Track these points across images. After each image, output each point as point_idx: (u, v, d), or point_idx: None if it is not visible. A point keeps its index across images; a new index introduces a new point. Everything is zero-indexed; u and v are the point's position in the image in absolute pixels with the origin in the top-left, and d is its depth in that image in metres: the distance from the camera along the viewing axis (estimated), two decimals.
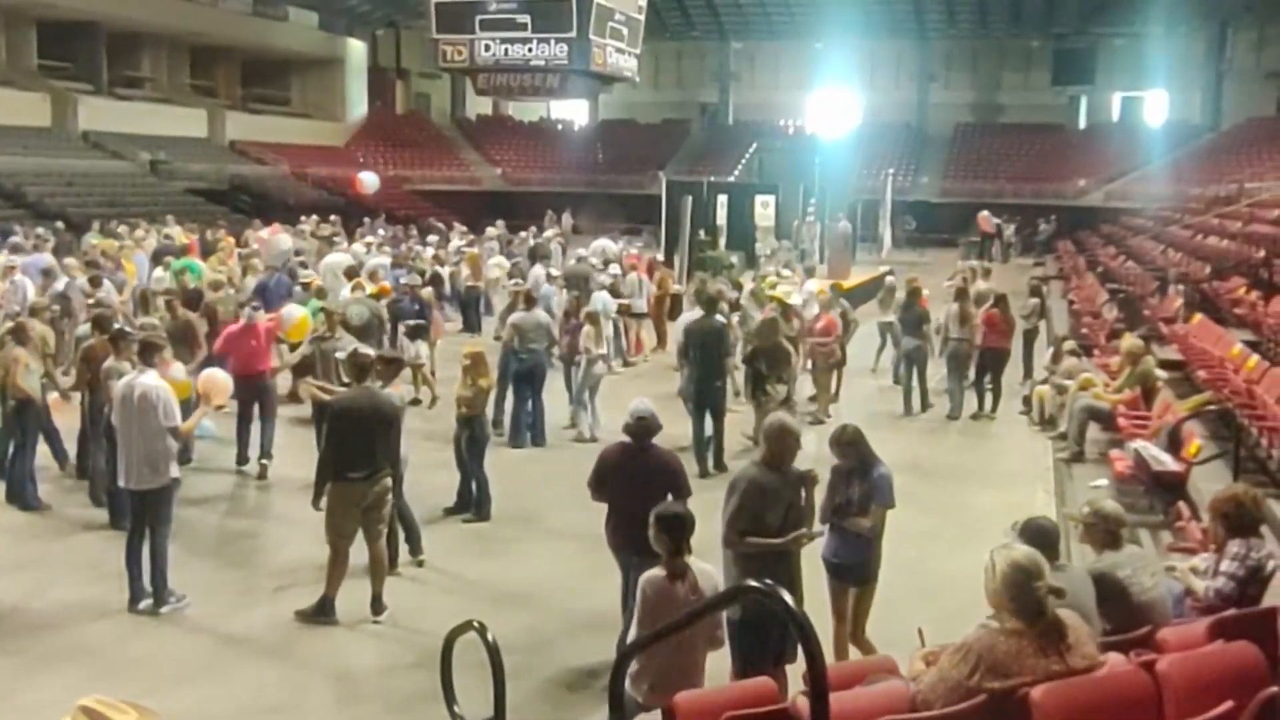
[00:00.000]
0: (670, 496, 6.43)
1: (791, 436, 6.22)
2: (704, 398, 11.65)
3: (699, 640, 5.04)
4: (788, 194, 30.44)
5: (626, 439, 7.09)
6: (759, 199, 29.86)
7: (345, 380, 8.47)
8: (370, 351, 8.37)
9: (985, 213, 37.59)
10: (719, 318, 12.34)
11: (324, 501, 7.69)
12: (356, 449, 7.62)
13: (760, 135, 46.14)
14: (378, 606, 7.69)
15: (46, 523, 9.55)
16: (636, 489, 6.51)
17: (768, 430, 6.31)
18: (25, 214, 28.69)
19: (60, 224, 25.06)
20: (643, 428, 7.02)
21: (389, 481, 7.78)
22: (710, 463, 11.43)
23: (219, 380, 8.50)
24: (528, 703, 6.30)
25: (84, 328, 11.26)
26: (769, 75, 52.75)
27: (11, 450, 9.83)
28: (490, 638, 5.01)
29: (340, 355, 9.06)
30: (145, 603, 7.63)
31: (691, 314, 13.55)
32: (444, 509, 9.96)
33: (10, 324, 10.52)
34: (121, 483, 7.87)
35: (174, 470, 7.83)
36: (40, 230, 22.10)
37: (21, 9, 37.81)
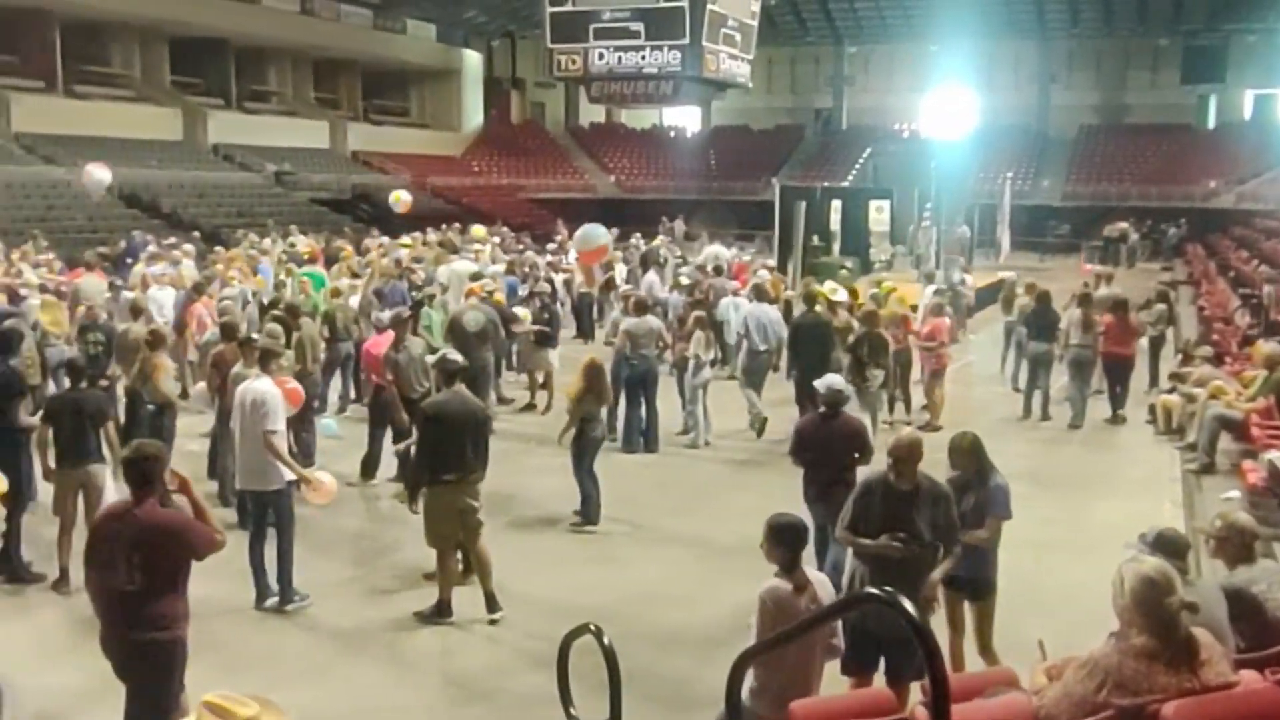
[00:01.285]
0: (857, 456, 7.82)
1: (910, 452, 6.05)
2: (808, 388, 11.78)
3: (816, 649, 4.99)
4: (903, 199, 30.03)
5: (819, 410, 8.27)
6: (873, 204, 29.52)
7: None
8: (459, 358, 8.44)
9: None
10: (821, 313, 13.11)
11: (421, 505, 7.85)
12: (450, 452, 7.75)
13: (875, 139, 45.62)
14: (492, 605, 7.79)
15: None
16: (831, 452, 7.38)
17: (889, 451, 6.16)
18: (161, 224, 29.79)
19: (196, 233, 25.93)
20: (834, 398, 8.21)
21: (480, 484, 7.89)
22: None
23: (325, 485, 8.40)
24: (642, 708, 6.30)
25: (212, 333, 11.61)
26: (883, 78, 52.11)
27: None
28: (607, 641, 5.02)
29: (431, 360, 9.18)
30: (271, 600, 7.86)
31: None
32: (571, 524, 9.97)
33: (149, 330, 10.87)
34: (238, 484, 8.20)
35: (286, 474, 7.99)
36: (173, 239, 22.94)
37: (156, 28, 39.30)
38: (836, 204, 28.66)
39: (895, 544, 5.78)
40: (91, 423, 8.28)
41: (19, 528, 8.45)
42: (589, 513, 9.94)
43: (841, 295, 15.04)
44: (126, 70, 40.05)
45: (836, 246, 27.02)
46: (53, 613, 7.86)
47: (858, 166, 44.78)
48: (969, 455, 6.46)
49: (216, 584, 8.04)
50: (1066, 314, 14.35)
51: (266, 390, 8.01)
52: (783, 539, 5.08)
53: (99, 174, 22.50)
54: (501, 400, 14.58)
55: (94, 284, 15.50)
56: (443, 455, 7.75)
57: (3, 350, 9.16)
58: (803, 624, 4.56)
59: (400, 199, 27.49)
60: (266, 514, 7.99)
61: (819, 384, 8.41)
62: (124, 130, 36.76)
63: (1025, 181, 43.54)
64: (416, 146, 48.91)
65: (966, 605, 6.52)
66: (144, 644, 5.17)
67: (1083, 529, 9.72)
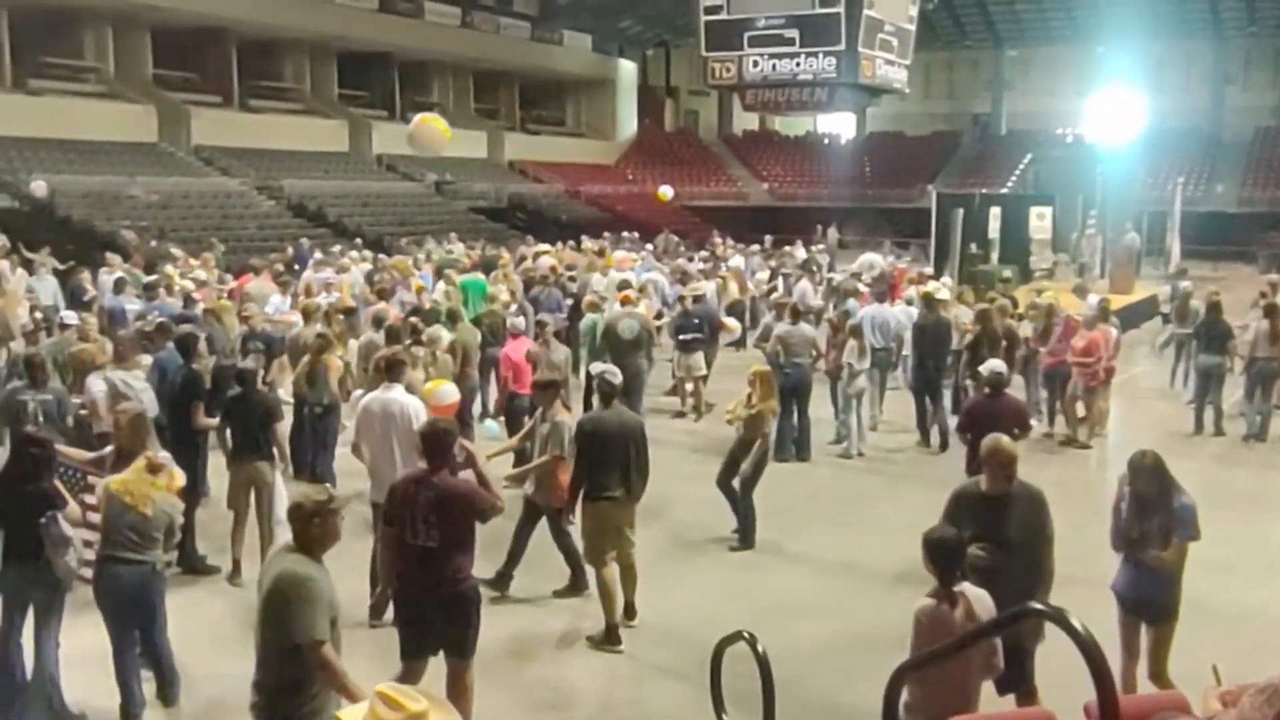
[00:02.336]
0: (1017, 432, 8.06)
1: (1001, 456, 5.97)
2: (925, 383, 13.33)
3: (974, 666, 4.86)
4: (1066, 205, 29.11)
5: (986, 391, 9.15)
6: (1034, 211, 28.68)
7: None
8: (617, 376, 8.33)
9: None
10: (943, 315, 13.80)
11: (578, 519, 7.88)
12: (610, 469, 7.70)
13: (1036, 144, 44.40)
14: (630, 613, 7.82)
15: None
16: (996, 428, 7.30)
17: (983, 456, 6.09)
18: (327, 233, 30.89)
19: (359, 240, 26.78)
20: (997, 380, 9.17)
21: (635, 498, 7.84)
22: (932, 437, 13.21)
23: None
24: (794, 718, 6.25)
25: (370, 336, 11.94)
26: (1045, 82, 50.64)
27: (312, 450, 10.54)
28: (760, 649, 5.00)
29: (592, 370, 9.22)
30: None
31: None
32: (730, 546, 9.87)
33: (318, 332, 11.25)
34: (374, 498, 7.83)
35: None
36: (339, 247, 23.76)
37: (325, 44, 40.81)
38: (995, 211, 27.94)
39: (980, 553, 5.66)
40: (261, 424, 8.60)
41: (193, 523, 8.84)
42: (746, 535, 9.79)
43: (944, 294, 15.46)
44: (297, 85, 41.67)
45: (995, 254, 26.37)
46: (223, 604, 8.20)
47: (1018, 172, 43.62)
48: (1151, 474, 6.19)
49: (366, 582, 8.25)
50: (1253, 326, 13.70)
51: (409, 400, 7.97)
52: (936, 555, 4.98)
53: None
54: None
55: (262, 289, 16.13)
56: (602, 472, 7.71)
57: (183, 354, 9.61)
58: (959, 641, 4.46)
59: (664, 195, 27.89)
60: None
61: (983, 368, 9.43)
62: (293, 142, 38.32)
63: (1197, 187, 41.76)
64: (571, 155, 49.62)
65: (1143, 629, 6.25)
66: (451, 597, 5.89)
67: (1258, 551, 9.28)
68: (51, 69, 34.40)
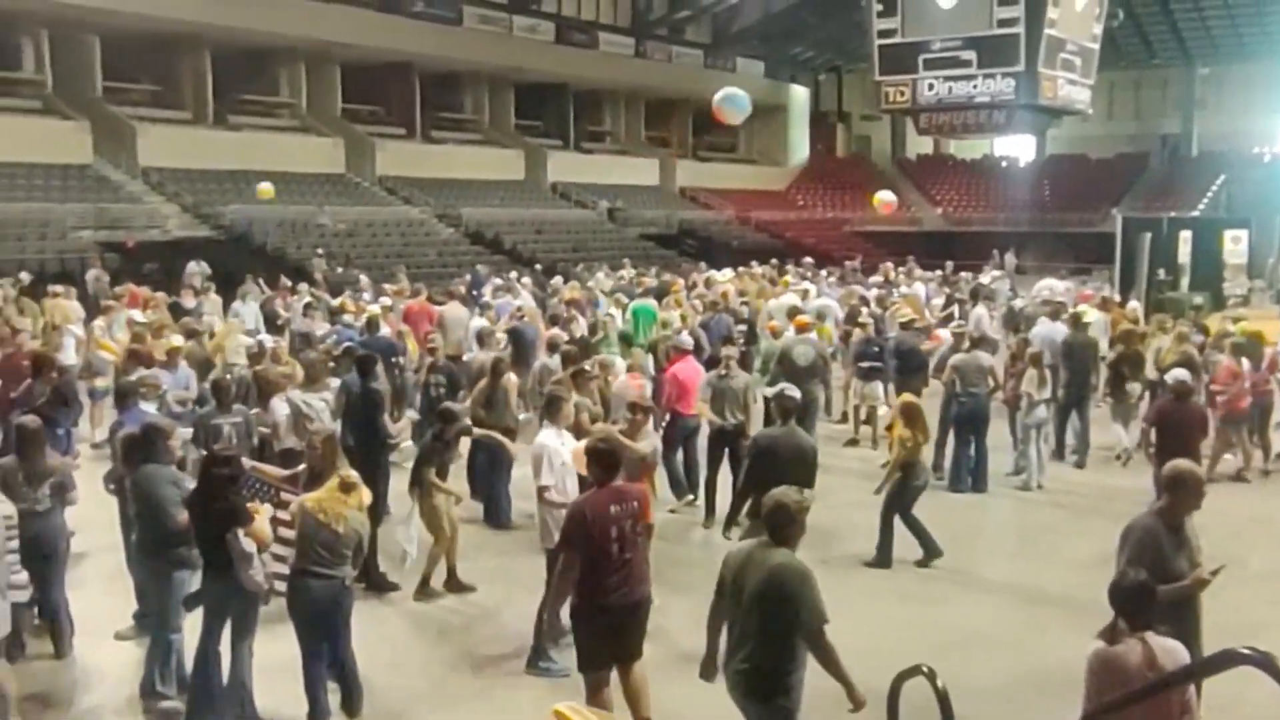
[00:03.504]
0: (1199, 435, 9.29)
1: (1196, 482, 5.79)
2: (1071, 399, 13.52)
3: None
4: (1262, 228, 27.72)
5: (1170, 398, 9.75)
6: (1228, 234, 27.38)
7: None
8: (797, 394, 8.41)
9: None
10: (1090, 333, 14.27)
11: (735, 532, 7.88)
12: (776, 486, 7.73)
13: (1229, 165, 42.44)
14: None
15: (515, 540, 10.40)
16: (1183, 429, 8.89)
17: (1173, 478, 5.81)
18: (503, 259, 31.70)
19: (536, 267, 27.38)
20: (1185, 389, 9.71)
21: None
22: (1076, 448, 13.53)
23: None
24: None
25: (545, 361, 12.17)
26: (1239, 100, 48.30)
27: (490, 472, 10.77)
28: (940, 684, 4.90)
29: (768, 393, 9.18)
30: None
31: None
32: (864, 562, 9.78)
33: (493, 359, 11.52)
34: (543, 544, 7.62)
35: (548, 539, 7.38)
36: (514, 273, 24.34)
37: (503, 76, 42.02)
38: (1186, 235, 26.78)
39: (1206, 578, 5.52)
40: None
41: (375, 539, 9.15)
42: (884, 557, 9.66)
43: (1091, 316, 15.82)
44: (476, 116, 42.98)
45: (1185, 280, 25.26)
46: (403, 621, 8.46)
47: (1210, 195, 41.72)
48: None
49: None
50: None
51: (544, 443, 7.70)
52: (1119, 599, 4.77)
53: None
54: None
55: (457, 313, 16.61)
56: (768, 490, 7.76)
57: (364, 374, 10.00)
58: (1147, 689, 4.25)
59: (882, 200, 27.86)
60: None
61: (1169, 376, 10.07)
62: (472, 171, 39.51)
63: None
64: (742, 182, 49.72)
65: None
66: (644, 602, 6.22)
67: None
68: (249, 105, 36.39)
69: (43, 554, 7.04)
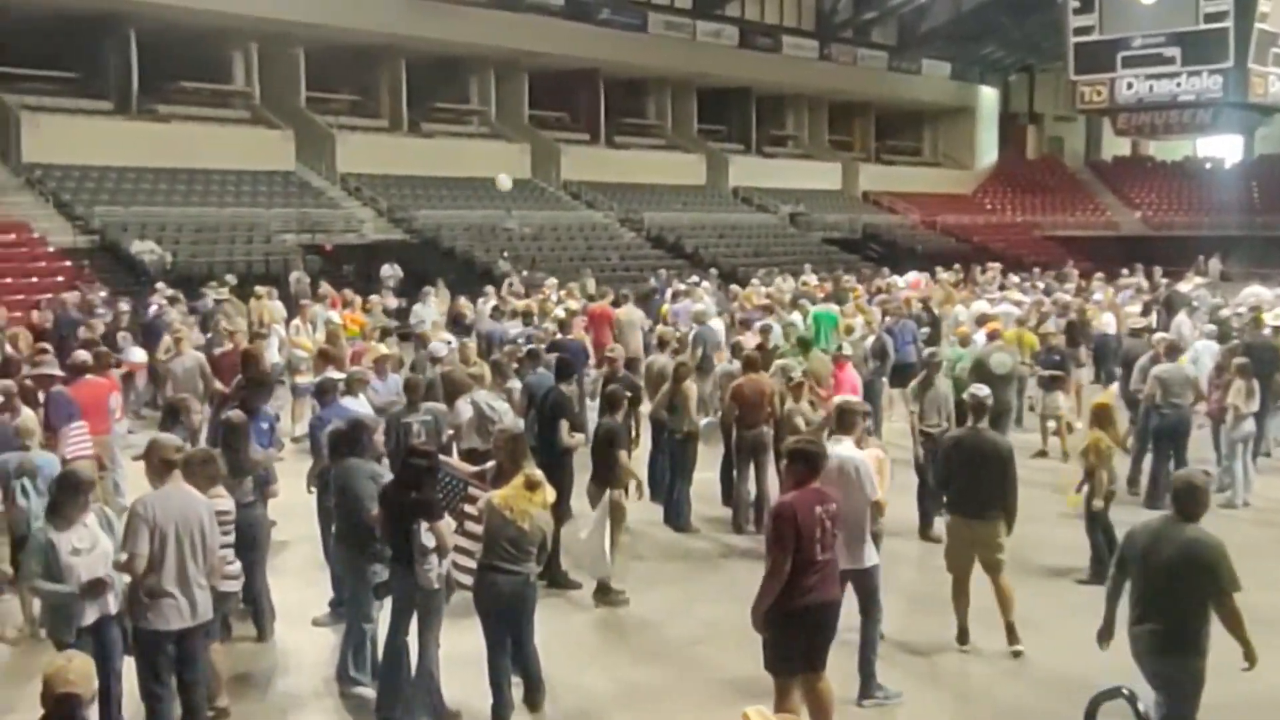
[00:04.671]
0: None
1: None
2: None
3: None
4: None
5: None
6: None
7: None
8: (985, 392, 8.22)
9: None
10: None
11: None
12: (965, 488, 7.76)
13: None
14: (1012, 638, 7.78)
15: (695, 543, 10.42)
16: None
17: None
18: (684, 264, 31.83)
19: (714, 271, 27.43)
20: None
21: (1001, 522, 7.70)
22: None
23: None
24: None
25: (726, 366, 12.15)
26: None
27: (671, 476, 10.83)
28: (1141, 708, 4.69)
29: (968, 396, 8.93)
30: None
31: None
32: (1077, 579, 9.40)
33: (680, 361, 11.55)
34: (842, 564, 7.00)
35: (871, 556, 7.08)
36: (695, 277, 24.43)
37: (687, 81, 42.24)
38: None
39: None
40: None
41: (559, 538, 9.28)
42: (1099, 572, 9.26)
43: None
44: (659, 121, 43.31)
45: None
46: (583, 619, 8.55)
47: None
48: None
49: (726, 606, 8.38)
50: None
51: (852, 456, 7.15)
52: None
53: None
54: None
55: (633, 315, 16.81)
56: (958, 490, 7.81)
57: (563, 377, 10.18)
58: None
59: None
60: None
61: None
62: (654, 176, 39.82)
63: None
64: (927, 185, 48.71)
65: None
66: (837, 604, 6.26)
67: None
68: (441, 113, 37.59)
69: (246, 543, 7.38)
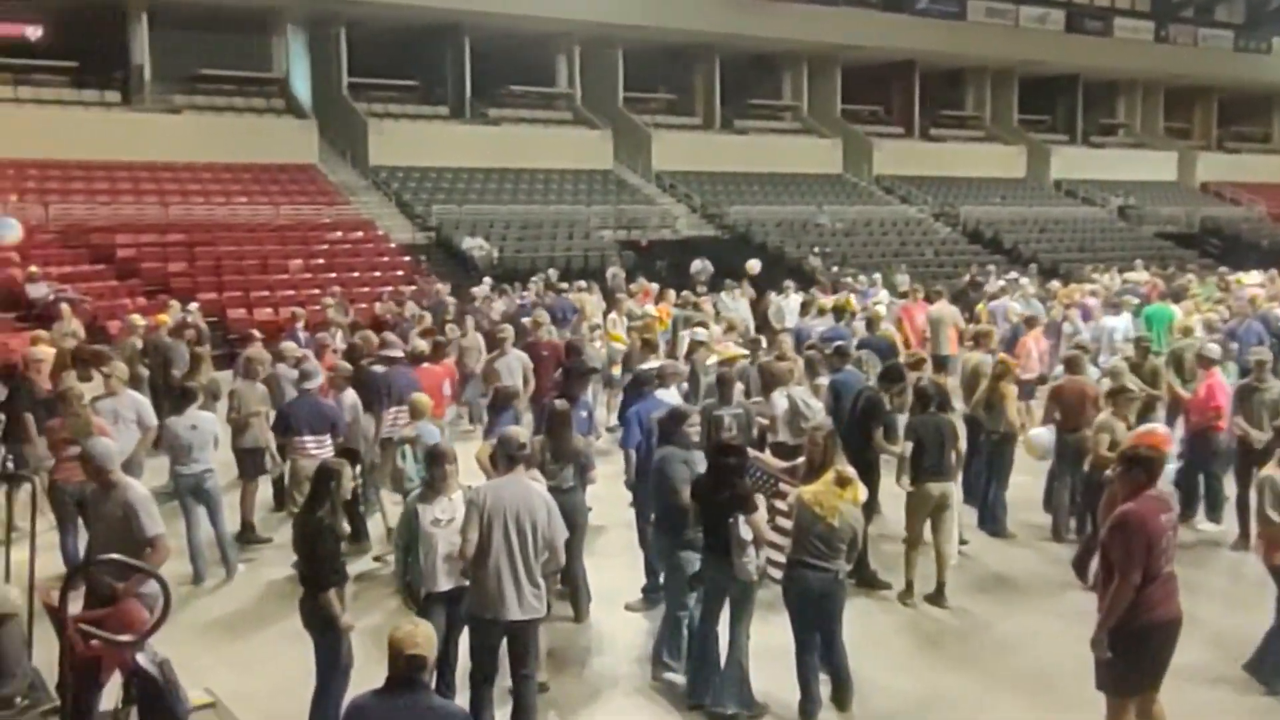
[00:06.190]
0: None
1: None
2: None
3: None
4: None
5: None
6: None
7: None
8: None
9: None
10: None
11: None
12: None
13: None
14: None
15: (1009, 551, 10.02)
16: None
17: None
18: (1002, 259, 30.67)
19: (1033, 267, 26.32)
20: None
21: None
22: None
23: None
24: None
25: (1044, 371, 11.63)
26: None
27: (986, 478, 10.46)
28: None
29: None
30: None
31: None
32: None
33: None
34: None
35: None
36: (1013, 274, 23.50)
37: (1008, 70, 40.78)
38: None
39: None
40: (949, 444, 8.67)
41: (867, 537, 9.15)
42: None
43: None
44: (978, 112, 41.97)
45: None
46: (892, 620, 8.39)
47: None
48: None
49: (1042, 618, 8.01)
50: None
51: None
52: None
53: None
54: None
55: (946, 311, 16.39)
56: None
57: (890, 379, 10.05)
58: None
59: None
60: None
61: None
62: (971, 169, 38.70)
63: None
64: (1276, 175, 44.72)
65: None
66: (1181, 616, 5.80)
67: None
68: (754, 109, 37.89)
69: (566, 527, 7.69)
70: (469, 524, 6.07)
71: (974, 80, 41.91)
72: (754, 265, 22.70)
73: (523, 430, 6.85)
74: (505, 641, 6.14)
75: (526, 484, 6.25)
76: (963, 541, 9.40)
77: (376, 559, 9.49)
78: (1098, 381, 10.96)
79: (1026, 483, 10.78)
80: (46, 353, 12.65)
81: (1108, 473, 6.99)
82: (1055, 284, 21.63)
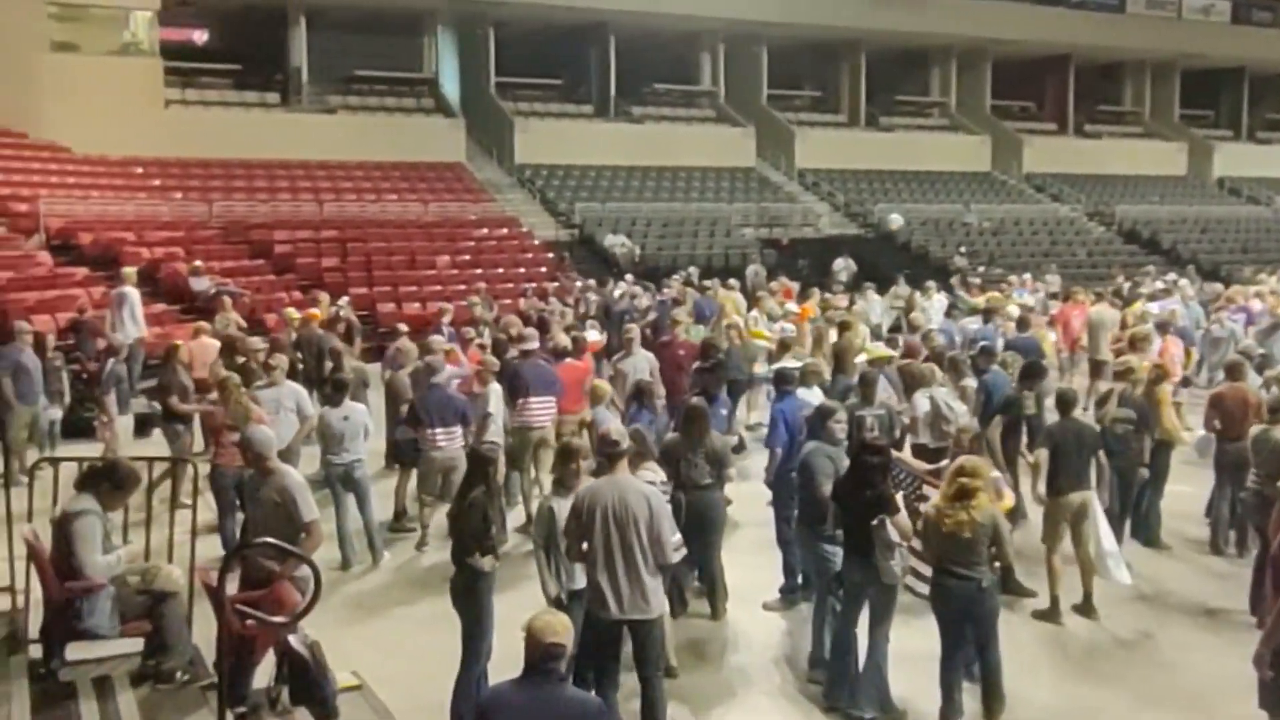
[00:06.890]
0: None
1: None
2: None
3: None
4: None
5: None
6: None
7: None
8: None
9: None
10: None
11: None
12: None
13: None
14: None
15: (1163, 563, 9.65)
16: None
17: None
18: (1159, 260, 29.56)
19: (1191, 268, 25.32)
20: None
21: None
22: None
23: None
24: None
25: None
26: None
27: (1140, 486, 10.08)
28: None
29: None
30: None
31: None
32: None
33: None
34: None
35: None
36: (1172, 275, 22.64)
37: (1169, 63, 39.31)
38: None
39: None
40: (1088, 452, 8.39)
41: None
42: None
43: None
44: (1136, 107, 40.56)
45: None
46: (1031, 631, 8.09)
47: None
48: None
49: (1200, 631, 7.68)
50: None
51: None
52: None
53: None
54: None
55: (1106, 314, 15.88)
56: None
57: (1031, 376, 9.79)
58: None
59: None
60: None
61: None
62: (1126, 166, 37.39)
63: None
64: None
65: None
66: None
67: None
68: (900, 106, 37.36)
69: (704, 525, 7.67)
70: (566, 527, 6.11)
71: (1132, 74, 40.50)
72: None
73: (621, 429, 6.78)
74: (623, 639, 6.12)
75: (625, 482, 6.12)
76: None
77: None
78: (1259, 389, 10.48)
79: (1185, 493, 10.39)
80: (209, 344, 13.24)
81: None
82: (1218, 286, 20.77)
